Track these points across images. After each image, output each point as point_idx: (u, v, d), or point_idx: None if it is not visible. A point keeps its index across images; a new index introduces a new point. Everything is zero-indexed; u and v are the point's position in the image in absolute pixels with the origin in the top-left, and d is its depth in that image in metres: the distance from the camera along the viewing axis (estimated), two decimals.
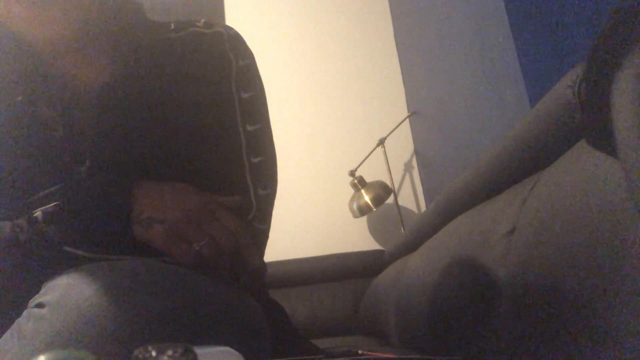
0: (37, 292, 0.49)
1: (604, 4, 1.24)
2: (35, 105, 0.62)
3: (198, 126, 0.66)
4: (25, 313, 0.46)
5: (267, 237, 0.70)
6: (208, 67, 0.68)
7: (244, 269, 0.58)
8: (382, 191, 2.26)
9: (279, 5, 2.73)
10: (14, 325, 0.46)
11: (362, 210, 2.26)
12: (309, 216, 2.43)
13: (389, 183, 2.34)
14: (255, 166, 0.66)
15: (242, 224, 0.56)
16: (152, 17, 0.72)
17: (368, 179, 2.31)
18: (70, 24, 0.60)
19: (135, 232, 0.54)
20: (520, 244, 0.64)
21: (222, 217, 0.55)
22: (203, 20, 0.72)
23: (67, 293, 0.45)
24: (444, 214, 1.17)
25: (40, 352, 0.41)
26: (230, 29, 0.72)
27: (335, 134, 2.55)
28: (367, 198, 2.23)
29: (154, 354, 0.26)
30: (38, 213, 0.54)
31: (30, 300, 0.47)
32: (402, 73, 2.62)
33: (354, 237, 2.42)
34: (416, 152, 2.53)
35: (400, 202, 2.41)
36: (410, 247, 1.53)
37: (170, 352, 0.27)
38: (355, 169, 2.30)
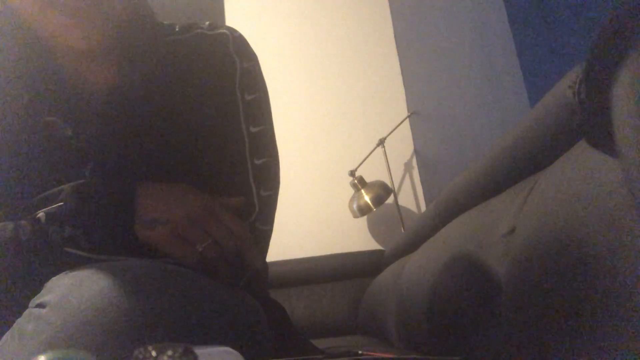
0: (38, 292, 0.49)
1: (604, 4, 1.24)
2: (42, 106, 0.62)
3: (202, 128, 0.66)
4: (25, 313, 0.46)
5: (269, 238, 0.70)
6: (212, 69, 0.68)
7: (246, 270, 0.58)
8: (382, 191, 2.26)
9: (279, 5, 2.73)
10: (15, 325, 0.46)
11: (362, 210, 2.26)
12: (309, 216, 2.43)
13: (389, 183, 2.34)
14: (258, 168, 0.66)
15: (244, 226, 0.57)
16: (157, 19, 0.72)
17: (368, 179, 2.31)
18: (105, 33, 0.61)
19: (138, 233, 0.54)
20: (520, 244, 0.64)
21: (225, 219, 0.56)
22: (207, 23, 0.72)
23: (68, 293, 0.45)
24: (444, 214, 1.17)
25: (41, 352, 0.41)
26: (235, 31, 0.72)
27: (335, 134, 2.55)
28: (367, 198, 2.23)
29: (154, 354, 0.26)
30: (41, 214, 0.54)
31: (31, 301, 0.47)
32: (402, 73, 2.62)
33: (354, 237, 2.42)
34: (416, 152, 2.53)
35: (400, 202, 2.41)
36: (410, 247, 1.53)
37: (170, 352, 0.27)
38: (355, 169, 2.30)
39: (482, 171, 0.94)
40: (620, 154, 0.29)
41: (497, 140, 0.89)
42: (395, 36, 2.68)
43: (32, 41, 0.61)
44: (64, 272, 0.49)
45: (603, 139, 0.33)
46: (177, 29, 0.72)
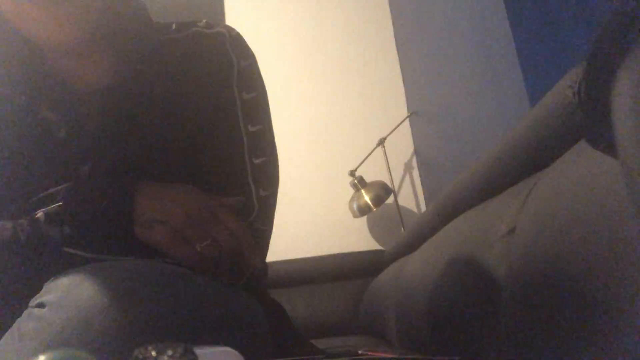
0: (37, 292, 0.49)
1: (604, 4, 1.24)
2: (38, 106, 0.62)
3: (200, 127, 0.66)
4: (25, 313, 0.46)
5: (269, 238, 0.70)
6: (210, 67, 0.67)
7: (246, 270, 0.58)
8: (382, 191, 2.26)
9: (279, 5, 2.73)
10: (14, 325, 0.46)
11: (362, 210, 2.26)
12: (309, 216, 2.43)
13: (389, 183, 2.34)
14: (257, 167, 0.66)
15: (244, 225, 0.56)
16: (154, 18, 0.72)
17: (368, 179, 2.31)
18: (82, 26, 0.59)
19: (137, 233, 0.54)
20: (520, 244, 0.64)
21: (224, 218, 0.55)
22: (204, 21, 0.72)
23: (68, 293, 0.45)
24: (444, 214, 1.17)
25: (40, 352, 0.41)
26: (232, 29, 0.71)
27: (335, 134, 2.55)
28: (367, 198, 2.23)
29: (154, 354, 0.26)
30: (40, 214, 0.54)
31: (31, 300, 0.47)
32: (402, 73, 2.62)
33: (354, 237, 2.42)
34: (416, 152, 2.53)
35: (400, 202, 2.41)
36: (410, 247, 1.53)
37: (170, 352, 0.27)
38: (355, 169, 2.30)
39: (482, 171, 0.94)
40: (620, 154, 0.29)
41: (497, 140, 0.89)
42: (395, 36, 2.68)
43: (21, 40, 0.60)
44: (63, 273, 0.49)
45: (603, 139, 0.33)
46: (173, 28, 0.71)
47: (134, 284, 0.47)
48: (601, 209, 0.46)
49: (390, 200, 2.34)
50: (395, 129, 2.39)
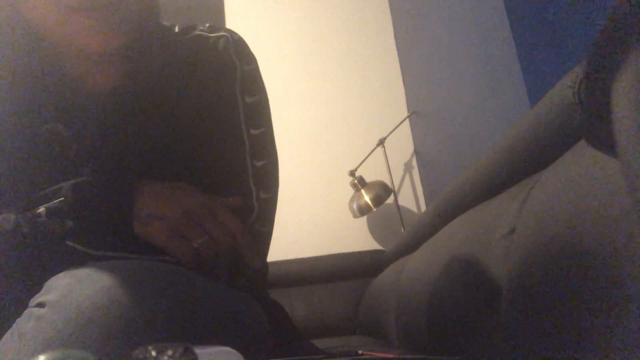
0: (37, 286, 0.49)
1: (604, 4, 1.24)
2: (45, 108, 0.63)
3: (202, 129, 0.66)
4: (25, 312, 0.46)
5: (269, 239, 0.71)
6: (213, 71, 0.68)
7: (244, 270, 0.58)
8: (382, 191, 2.26)
9: (279, 5, 2.73)
10: (15, 325, 0.46)
11: (362, 210, 2.26)
12: (309, 216, 2.43)
13: (389, 183, 2.34)
14: (258, 170, 0.67)
15: (242, 224, 0.57)
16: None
17: (368, 179, 2.31)
18: (122, 36, 0.61)
19: (135, 229, 0.55)
20: (520, 244, 0.64)
21: (222, 217, 0.56)
22: (207, 25, 0.72)
23: (68, 292, 0.45)
24: (444, 214, 1.17)
25: (40, 351, 0.41)
26: (234, 33, 0.72)
27: (335, 134, 2.55)
28: (367, 198, 2.23)
29: (154, 354, 0.26)
30: (41, 209, 0.55)
31: (31, 300, 0.47)
32: (402, 73, 2.62)
33: (354, 237, 2.42)
34: (416, 152, 2.53)
35: (400, 202, 2.41)
36: (410, 247, 1.53)
37: (170, 352, 0.27)
38: (355, 169, 2.30)
39: (482, 171, 0.94)
40: (620, 154, 0.29)
41: (497, 140, 0.89)
42: (395, 36, 2.68)
43: (36, 44, 0.61)
44: (63, 272, 0.49)
45: (603, 139, 0.33)
46: (176, 30, 0.71)
47: (134, 283, 0.47)
48: (601, 209, 0.46)
49: (390, 200, 2.34)
50: (395, 129, 2.39)
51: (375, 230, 2.46)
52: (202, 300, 0.53)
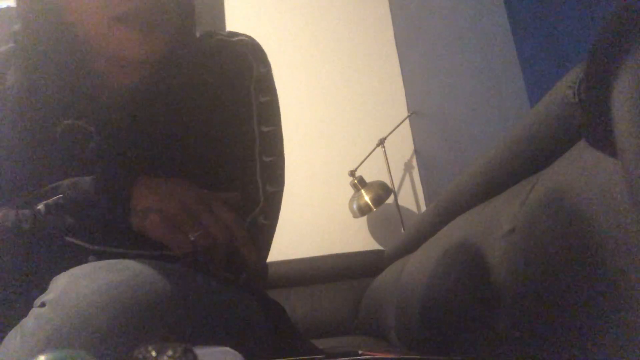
0: (40, 283, 0.49)
1: (604, 5, 1.24)
2: (70, 101, 0.65)
3: (217, 123, 0.69)
4: (30, 312, 0.47)
5: (271, 234, 0.71)
6: (231, 70, 0.72)
7: (242, 266, 0.59)
8: (382, 191, 2.26)
9: (279, 5, 2.73)
10: (19, 323, 0.46)
11: (362, 210, 2.26)
12: (309, 216, 2.43)
13: (389, 183, 2.34)
14: (266, 165, 0.69)
15: (239, 220, 0.57)
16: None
17: (368, 179, 2.31)
18: (165, 46, 0.64)
19: (133, 223, 0.56)
20: (520, 244, 0.64)
21: (219, 211, 0.56)
22: (227, 31, 0.77)
23: (67, 292, 0.46)
24: (444, 214, 1.17)
25: (39, 349, 0.41)
26: (253, 39, 0.76)
27: (335, 134, 2.55)
28: (367, 198, 2.23)
29: (153, 354, 0.26)
30: (41, 206, 0.56)
31: (36, 300, 0.47)
32: (402, 73, 2.62)
33: (354, 237, 2.42)
34: (416, 152, 2.53)
35: (400, 202, 2.41)
36: (410, 247, 1.53)
37: (170, 352, 0.27)
38: (355, 169, 2.30)
39: (482, 171, 0.94)
40: (620, 154, 0.29)
41: (497, 140, 0.89)
42: (395, 36, 2.68)
43: (75, 46, 0.63)
44: (64, 272, 0.49)
45: (603, 139, 0.33)
46: (197, 35, 0.75)
47: (133, 282, 0.47)
48: (601, 209, 0.46)
49: (390, 200, 2.34)
50: (395, 129, 2.39)
51: (375, 230, 2.46)
52: (202, 300, 0.53)
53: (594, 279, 0.46)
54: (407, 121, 2.49)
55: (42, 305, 0.46)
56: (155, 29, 0.61)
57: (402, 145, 2.51)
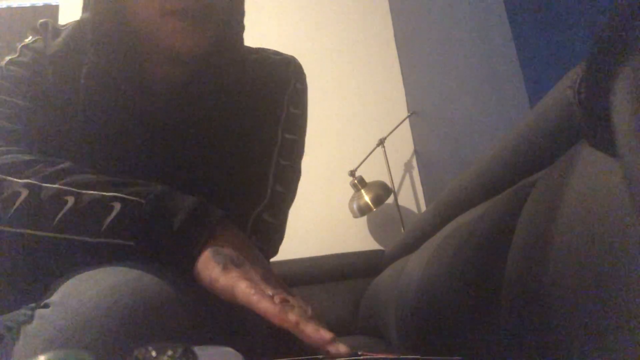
0: (43, 284, 0.50)
1: (604, 4, 1.24)
2: (120, 102, 0.67)
3: (246, 121, 0.72)
4: (34, 313, 0.47)
5: (278, 233, 0.73)
6: (270, 80, 0.76)
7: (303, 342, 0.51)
8: (382, 191, 2.26)
9: (279, 5, 2.73)
10: (22, 325, 0.46)
11: (362, 210, 2.26)
12: (309, 216, 2.43)
13: (389, 183, 2.34)
14: (281, 167, 0.72)
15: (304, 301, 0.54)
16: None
17: (368, 179, 2.30)
18: (211, 40, 0.65)
19: (201, 263, 0.52)
20: (521, 244, 0.64)
21: (292, 293, 0.54)
22: (273, 50, 0.83)
23: (70, 293, 0.46)
24: (444, 214, 1.17)
25: (42, 350, 0.41)
26: (296, 59, 0.82)
27: (335, 134, 2.54)
28: (367, 198, 2.23)
29: (154, 354, 0.26)
30: (117, 204, 0.54)
31: (38, 302, 0.48)
32: (402, 73, 2.62)
33: (354, 237, 2.41)
34: (416, 152, 2.53)
35: (400, 202, 2.41)
36: (410, 247, 1.53)
37: (170, 352, 0.27)
38: (355, 169, 2.30)
39: (483, 171, 0.94)
40: (620, 154, 0.29)
41: (497, 140, 0.89)
42: (395, 36, 2.68)
43: (126, 37, 0.66)
44: (67, 274, 0.49)
45: (603, 139, 0.33)
46: (244, 45, 0.78)
47: (135, 284, 0.47)
48: (601, 209, 0.46)
49: (390, 200, 2.34)
50: (395, 129, 2.39)
51: (375, 230, 2.46)
52: (204, 302, 0.53)
53: (594, 279, 0.46)
54: (407, 121, 2.49)
55: (46, 306, 0.46)
56: (202, 24, 0.62)
57: (402, 145, 2.51)
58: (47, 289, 0.50)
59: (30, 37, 0.71)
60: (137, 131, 0.67)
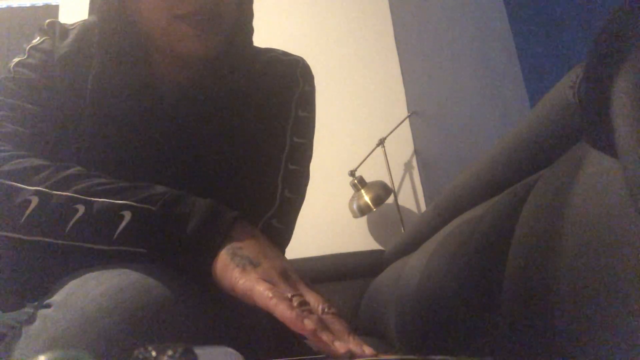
0: (44, 285, 0.49)
1: (604, 4, 1.24)
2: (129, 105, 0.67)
3: (254, 125, 0.72)
4: (36, 313, 0.47)
5: (285, 239, 0.73)
6: (279, 82, 0.76)
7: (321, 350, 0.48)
8: (382, 191, 2.26)
9: (279, 5, 2.73)
10: (24, 325, 0.46)
11: (362, 210, 2.26)
12: (309, 216, 2.42)
13: (389, 183, 2.34)
14: (290, 171, 0.71)
15: (330, 302, 0.51)
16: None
17: (368, 179, 2.30)
18: (220, 45, 0.66)
19: (219, 266, 0.51)
20: (521, 244, 0.64)
21: (313, 289, 0.52)
22: (282, 50, 0.84)
23: (73, 293, 0.46)
24: (444, 214, 1.17)
25: (43, 351, 0.41)
26: (304, 60, 0.83)
27: (335, 134, 2.54)
28: (367, 198, 2.23)
29: (154, 354, 0.26)
30: (127, 213, 0.54)
31: (39, 302, 0.48)
32: (402, 73, 2.62)
33: (354, 237, 2.41)
34: (416, 152, 2.53)
35: (400, 202, 2.41)
36: (410, 247, 1.53)
37: (170, 352, 0.27)
38: (355, 169, 2.30)
39: (482, 171, 0.94)
40: (620, 154, 0.29)
41: (497, 140, 0.89)
42: (395, 36, 2.68)
43: (136, 40, 0.66)
44: (69, 275, 0.49)
45: (603, 139, 0.33)
46: (254, 47, 0.79)
47: (138, 285, 0.47)
48: (601, 208, 0.46)
49: (390, 200, 2.34)
50: (395, 129, 2.39)
51: (375, 230, 2.46)
52: (205, 302, 0.53)
53: (594, 279, 0.46)
54: (407, 121, 2.49)
55: (47, 306, 0.46)
56: (211, 28, 0.62)
57: (402, 145, 2.51)
58: (49, 289, 0.50)
59: (38, 38, 0.70)
60: (145, 135, 0.67)
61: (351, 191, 2.33)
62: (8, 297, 0.59)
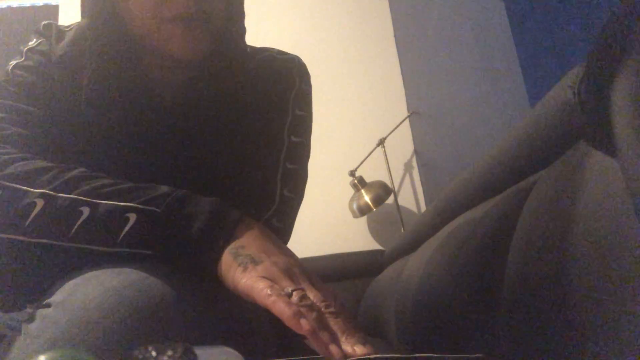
0: (44, 285, 0.49)
1: (603, 4, 1.24)
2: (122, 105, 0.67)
3: (252, 125, 0.72)
4: (36, 313, 0.47)
5: (284, 236, 0.72)
6: (275, 81, 0.76)
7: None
8: (382, 191, 2.26)
9: (279, 5, 2.73)
10: (24, 325, 0.46)
11: (362, 210, 2.26)
12: (309, 216, 2.42)
13: (389, 183, 2.34)
14: (288, 170, 0.71)
15: (336, 295, 0.51)
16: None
17: (368, 179, 2.30)
18: (208, 46, 0.66)
19: (224, 265, 0.52)
20: (521, 244, 0.64)
21: (318, 284, 0.51)
22: (277, 49, 0.83)
23: (74, 293, 0.46)
24: (444, 214, 1.17)
25: (43, 350, 0.41)
26: (300, 59, 0.82)
27: (335, 134, 2.54)
28: (367, 198, 2.23)
29: (154, 354, 0.26)
30: (132, 215, 0.54)
31: (39, 302, 0.48)
32: (402, 73, 2.62)
33: (354, 237, 2.41)
34: (416, 152, 2.53)
35: (400, 202, 2.41)
36: (410, 247, 1.53)
37: (170, 352, 0.27)
38: (355, 169, 2.30)
39: (482, 171, 0.94)
40: (620, 154, 0.29)
41: (497, 141, 0.89)
42: (395, 36, 2.68)
43: (126, 42, 0.66)
44: (69, 275, 0.49)
45: (603, 139, 0.33)
46: (248, 50, 0.78)
47: (138, 285, 0.47)
48: (601, 209, 0.46)
49: (390, 200, 2.34)
50: (395, 129, 2.39)
51: (375, 230, 2.46)
52: (206, 302, 0.53)
53: (594, 279, 0.46)
54: (407, 121, 2.49)
55: (47, 306, 0.46)
56: (199, 29, 0.63)
57: (402, 145, 2.51)
58: (49, 289, 0.50)
59: (35, 40, 0.71)
60: (143, 136, 0.67)
61: (351, 191, 2.33)
62: (8, 297, 0.59)
